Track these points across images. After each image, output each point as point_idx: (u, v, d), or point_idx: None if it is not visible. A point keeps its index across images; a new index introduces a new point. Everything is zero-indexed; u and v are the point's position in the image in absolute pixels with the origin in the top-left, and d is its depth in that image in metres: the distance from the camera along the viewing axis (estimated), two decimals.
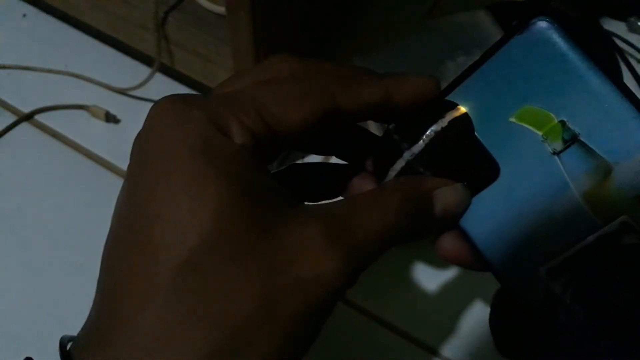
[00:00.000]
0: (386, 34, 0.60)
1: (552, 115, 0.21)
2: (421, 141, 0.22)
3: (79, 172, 0.55)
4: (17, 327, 0.48)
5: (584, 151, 0.21)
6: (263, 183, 0.19)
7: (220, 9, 0.49)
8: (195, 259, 0.17)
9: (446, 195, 0.22)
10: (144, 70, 0.57)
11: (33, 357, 0.20)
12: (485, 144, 0.23)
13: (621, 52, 0.61)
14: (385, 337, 0.49)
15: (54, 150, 0.56)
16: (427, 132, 0.22)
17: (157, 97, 0.20)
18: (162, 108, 0.20)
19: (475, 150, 0.23)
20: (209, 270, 0.17)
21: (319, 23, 0.56)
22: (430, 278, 0.51)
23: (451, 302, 0.50)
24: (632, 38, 0.62)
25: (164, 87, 0.58)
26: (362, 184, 0.25)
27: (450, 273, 0.51)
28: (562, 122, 0.21)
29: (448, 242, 0.23)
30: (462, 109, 0.23)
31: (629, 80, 0.59)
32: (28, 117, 0.57)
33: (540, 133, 0.21)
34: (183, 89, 0.58)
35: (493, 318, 0.24)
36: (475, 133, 0.23)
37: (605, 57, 0.61)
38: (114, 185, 0.20)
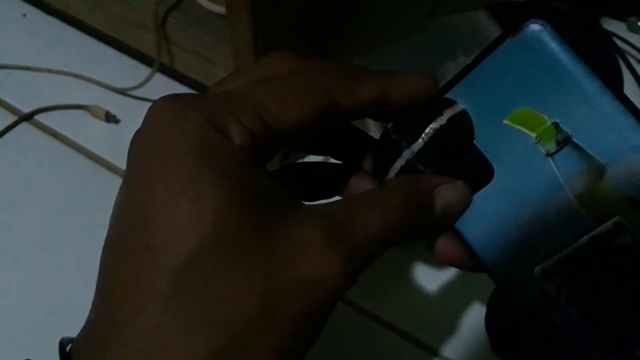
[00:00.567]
0: (386, 34, 0.60)
1: (545, 117, 0.21)
2: (420, 139, 0.22)
3: (79, 172, 0.55)
4: (16, 328, 0.48)
5: (577, 152, 0.21)
6: (262, 183, 0.19)
7: (220, 9, 0.49)
8: (194, 260, 0.17)
9: (447, 193, 0.22)
10: (144, 70, 0.57)
11: (32, 359, 0.20)
12: (479, 146, 0.23)
13: (621, 52, 0.61)
14: (385, 337, 0.49)
15: (54, 150, 0.56)
16: (426, 130, 0.22)
17: (157, 97, 0.20)
18: (159, 108, 0.19)
19: (474, 148, 0.23)
20: (208, 272, 0.17)
21: (319, 23, 0.56)
22: (430, 278, 0.51)
23: (451, 302, 0.50)
24: (632, 38, 0.62)
25: (164, 87, 0.58)
26: (360, 184, 0.25)
27: (450, 273, 0.51)
28: (555, 124, 0.21)
29: (444, 244, 0.23)
30: (461, 106, 0.23)
31: (628, 80, 0.59)
32: (28, 117, 0.57)
33: (533, 135, 0.21)
34: (183, 89, 0.58)
35: (489, 319, 0.24)
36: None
37: (604, 58, 0.61)
38: (114, 185, 0.19)
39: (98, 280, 0.19)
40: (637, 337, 0.20)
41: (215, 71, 0.52)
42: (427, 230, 0.22)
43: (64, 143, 0.57)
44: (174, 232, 0.18)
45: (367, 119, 0.24)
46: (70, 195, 0.54)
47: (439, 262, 0.53)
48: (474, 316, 0.49)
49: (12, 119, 0.57)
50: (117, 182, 0.20)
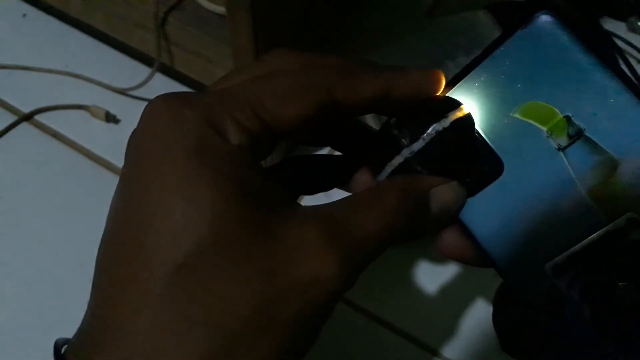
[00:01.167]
0: (386, 33, 0.60)
1: (557, 110, 0.21)
2: (421, 140, 0.22)
3: (79, 172, 0.55)
4: (13, 328, 0.47)
5: (589, 146, 0.20)
6: (259, 183, 0.19)
7: (220, 9, 0.49)
8: (191, 262, 0.17)
9: (443, 193, 0.22)
10: (144, 70, 0.57)
11: None
12: (489, 139, 0.22)
13: (621, 52, 0.61)
14: (385, 337, 0.49)
15: (54, 150, 0.56)
16: (429, 131, 0.22)
17: None
18: (155, 107, 0.19)
19: (478, 149, 0.22)
20: (204, 274, 0.17)
21: (319, 23, 0.56)
22: (430, 278, 0.51)
23: (451, 302, 0.50)
24: (632, 38, 0.62)
25: (164, 87, 0.58)
26: (362, 177, 0.25)
27: (450, 273, 0.51)
28: (567, 117, 0.21)
29: (450, 239, 0.23)
30: (466, 110, 0.22)
31: None
32: (28, 117, 0.57)
33: (544, 128, 0.21)
34: (183, 89, 0.58)
35: (496, 316, 0.24)
36: (479, 129, 0.22)
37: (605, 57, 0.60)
38: (114, 185, 0.19)
39: (94, 280, 0.19)
40: None
41: (215, 71, 0.52)
42: (424, 230, 0.22)
43: (64, 143, 0.57)
44: (170, 233, 0.17)
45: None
46: (70, 195, 0.54)
47: (439, 261, 0.53)
48: (474, 316, 0.49)
49: (12, 119, 0.57)
50: (116, 182, 0.19)
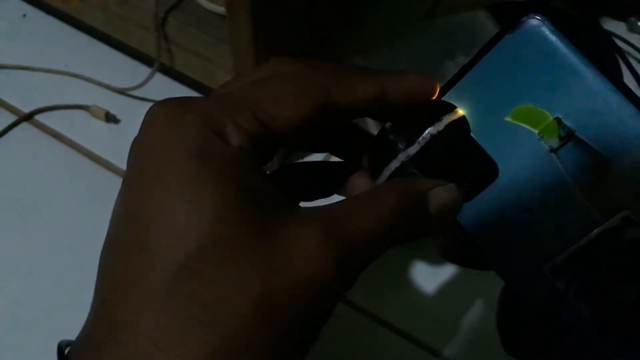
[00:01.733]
0: (386, 34, 0.60)
1: (547, 112, 0.21)
2: (417, 143, 0.22)
3: (79, 172, 0.55)
4: (14, 330, 0.47)
5: (581, 147, 0.21)
6: (260, 185, 0.19)
7: (220, 9, 0.49)
8: (192, 263, 0.17)
9: (440, 195, 0.22)
10: (144, 70, 0.57)
11: None
12: (482, 144, 0.22)
13: (621, 52, 0.61)
14: (385, 337, 0.49)
15: (54, 150, 0.56)
16: (424, 134, 0.22)
17: (157, 97, 0.20)
18: (157, 112, 0.19)
19: (473, 151, 0.23)
20: (205, 275, 0.17)
21: (319, 23, 0.56)
22: (430, 278, 0.51)
23: (451, 302, 0.50)
24: (632, 38, 0.62)
25: (164, 87, 0.58)
26: (360, 182, 0.25)
27: (450, 273, 0.51)
28: (558, 119, 0.21)
29: (450, 242, 0.23)
30: (460, 112, 0.22)
31: (629, 80, 0.59)
32: (28, 117, 0.57)
33: (536, 131, 0.21)
34: (183, 89, 0.59)
35: (500, 317, 0.24)
36: (472, 134, 0.23)
37: (605, 57, 0.61)
38: (114, 185, 0.19)
39: (96, 282, 0.19)
40: None
41: (215, 71, 0.52)
42: (423, 232, 0.22)
43: (64, 143, 0.57)
44: (172, 234, 0.18)
45: (367, 118, 0.24)
46: (70, 195, 0.54)
47: (439, 262, 0.53)
48: (474, 316, 0.49)
49: (12, 119, 0.57)
50: (117, 182, 0.20)
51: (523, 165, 0.22)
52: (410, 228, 0.21)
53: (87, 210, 0.52)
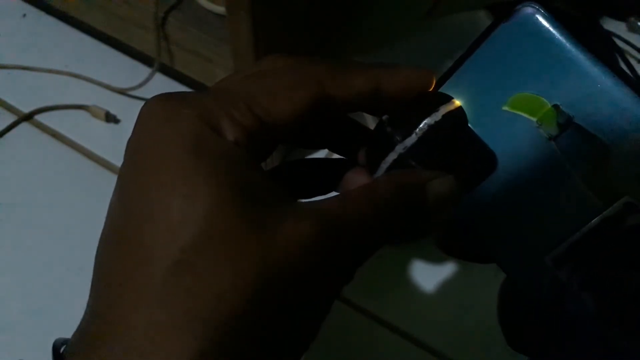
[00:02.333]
0: (386, 34, 0.60)
1: (545, 100, 0.21)
2: (414, 135, 0.22)
3: (79, 172, 0.55)
4: (10, 328, 0.47)
5: (580, 134, 0.20)
6: (255, 180, 0.19)
7: (220, 9, 0.49)
8: (187, 258, 0.17)
9: (438, 187, 0.22)
10: (144, 70, 0.57)
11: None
12: (481, 134, 0.22)
13: (621, 52, 0.61)
14: (385, 337, 0.49)
15: (54, 150, 0.56)
16: (421, 126, 0.22)
17: None
18: (152, 107, 0.19)
19: (471, 142, 0.22)
20: (201, 270, 0.17)
21: (319, 23, 0.56)
22: (430, 278, 0.51)
23: (451, 302, 0.50)
24: (632, 38, 0.62)
25: (164, 87, 0.58)
26: (356, 178, 0.25)
27: (450, 273, 0.51)
28: (556, 107, 0.21)
29: (450, 236, 0.23)
30: (457, 103, 0.22)
31: None
32: (28, 117, 0.57)
33: (534, 119, 0.21)
34: (183, 89, 0.58)
35: (501, 310, 0.24)
36: (470, 125, 0.23)
37: (605, 57, 0.61)
38: (114, 185, 0.19)
39: (92, 280, 0.19)
40: None
41: (215, 71, 0.52)
42: (421, 225, 0.22)
43: (64, 143, 0.57)
44: (167, 230, 0.17)
45: (365, 113, 0.24)
46: (70, 195, 0.54)
47: (439, 261, 0.53)
48: (474, 315, 0.49)
49: (12, 119, 0.57)
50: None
51: (522, 154, 0.21)
52: (407, 220, 0.21)
53: (87, 210, 0.52)
